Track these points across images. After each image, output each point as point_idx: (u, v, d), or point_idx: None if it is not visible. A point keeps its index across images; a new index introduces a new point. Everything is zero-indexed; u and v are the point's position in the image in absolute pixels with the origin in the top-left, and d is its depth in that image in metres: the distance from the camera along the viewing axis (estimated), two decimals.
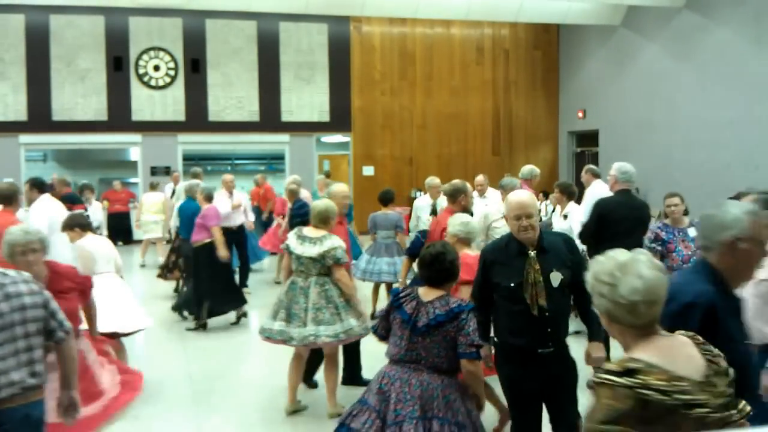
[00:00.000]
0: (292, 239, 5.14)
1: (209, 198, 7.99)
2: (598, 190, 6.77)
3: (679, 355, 1.93)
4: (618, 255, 2.04)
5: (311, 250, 4.98)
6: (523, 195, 3.60)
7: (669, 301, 2.04)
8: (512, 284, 3.45)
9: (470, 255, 4.48)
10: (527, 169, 8.16)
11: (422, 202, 8.36)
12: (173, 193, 12.33)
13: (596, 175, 7.20)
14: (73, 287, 3.92)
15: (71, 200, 10.01)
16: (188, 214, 8.26)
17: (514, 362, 3.51)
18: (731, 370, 1.97)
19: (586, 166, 7.55)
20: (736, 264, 2.40)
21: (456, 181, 6.00)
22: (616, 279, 1.96)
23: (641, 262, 1.98)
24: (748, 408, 1.94)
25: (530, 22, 16.87)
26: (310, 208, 5.30)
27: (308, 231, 5.11)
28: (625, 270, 1.96)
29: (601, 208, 5.77)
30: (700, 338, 2.03)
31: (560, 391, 3.54)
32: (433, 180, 8.26)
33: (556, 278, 3.42)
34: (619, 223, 5.57)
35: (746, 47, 12.34)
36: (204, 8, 14.80)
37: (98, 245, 5.62)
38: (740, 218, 2.38)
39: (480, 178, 8.53)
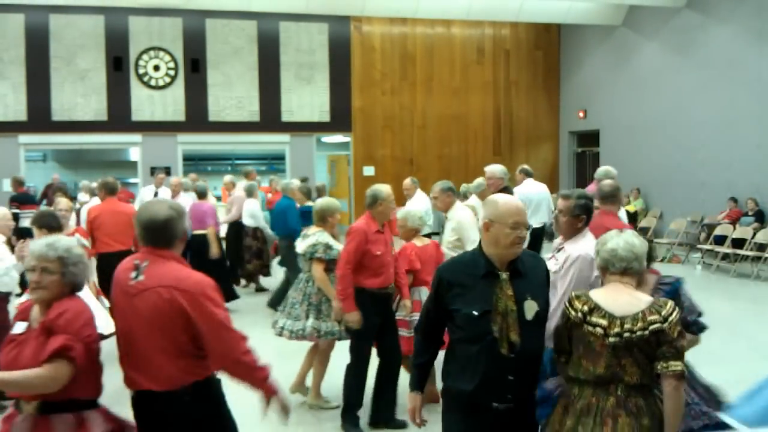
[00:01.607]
0: (299, 238, 5.53)
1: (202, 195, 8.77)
2: (525, 188, 8.38)
3: (619, 297, 2.80)
4: (616, 231, 3.02)
5: (300, 247, 5.28)
6: (519, 201, 2.99)
7: None
8: (475, 312, 2.75)
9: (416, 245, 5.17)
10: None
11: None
12: (155, 195, 11.45)
13: (528, 175, 8.61)
14: None
15: (20, 201, 10.63)
16: (281, 211, 8.40)
17: (461, 414, 2.85)
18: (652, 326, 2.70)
19: (520, 166, 8.92)
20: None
21: (612, 181, 5.07)
22: (608, 239, 2.95)
23: (629, 233, 2.96)
24: (674, 368, 2.66)
25: (531, 22, 16.85)
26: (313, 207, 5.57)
27: (310, 230, 5.36)
28: (613, 235, 2.95)
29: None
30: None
31: None
32: (484, 183, 7.83)
33: (530, 309, 2.77)
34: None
35: (747, 47, 12.32)
36: (204, 8, 14.79)
37: None
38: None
39: (407, 182, 8.74)
